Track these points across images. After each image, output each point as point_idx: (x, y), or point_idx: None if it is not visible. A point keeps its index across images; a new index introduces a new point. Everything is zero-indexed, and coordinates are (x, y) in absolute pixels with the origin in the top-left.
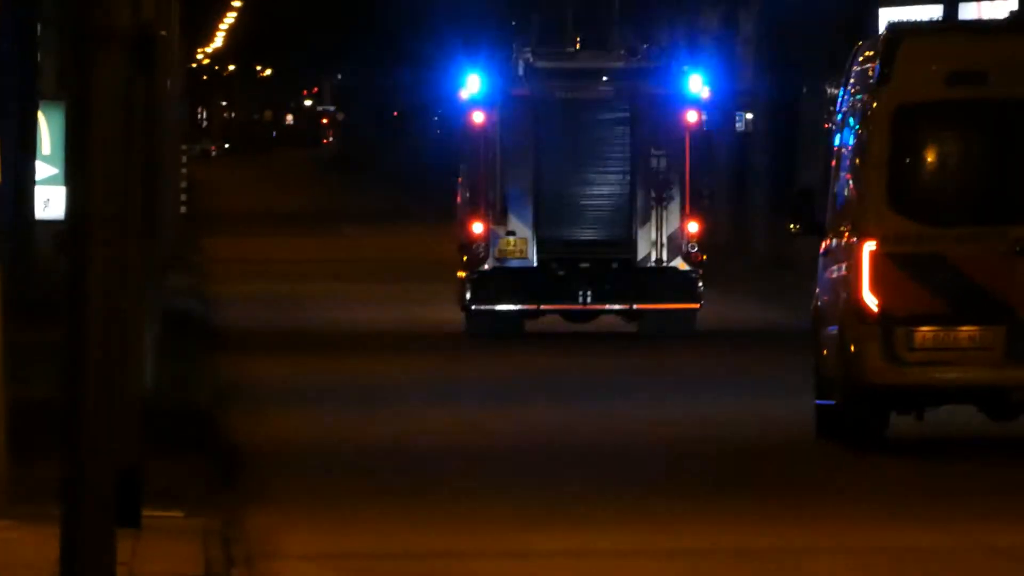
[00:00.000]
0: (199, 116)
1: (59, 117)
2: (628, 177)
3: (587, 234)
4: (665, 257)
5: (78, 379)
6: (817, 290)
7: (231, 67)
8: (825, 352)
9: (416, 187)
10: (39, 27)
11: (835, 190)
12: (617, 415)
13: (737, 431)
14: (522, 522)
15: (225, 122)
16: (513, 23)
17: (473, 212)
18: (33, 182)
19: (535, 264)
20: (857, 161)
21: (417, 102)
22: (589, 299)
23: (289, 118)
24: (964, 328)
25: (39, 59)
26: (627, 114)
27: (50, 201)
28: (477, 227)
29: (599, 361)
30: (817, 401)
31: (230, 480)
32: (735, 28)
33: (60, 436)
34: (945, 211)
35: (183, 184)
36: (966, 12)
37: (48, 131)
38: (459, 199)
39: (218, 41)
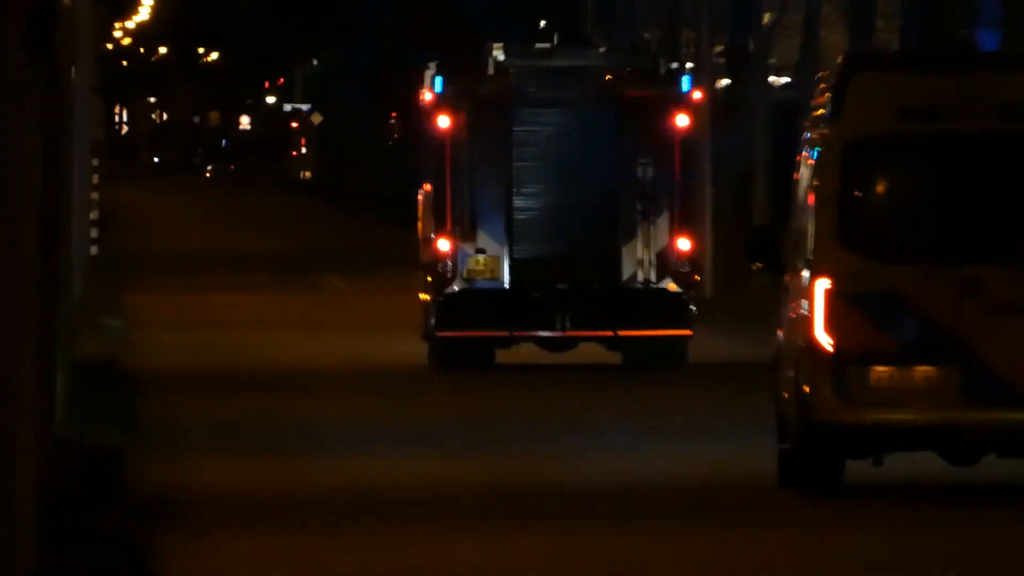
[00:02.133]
0: (117, 118)
1: None
2: (611, 188)
3: (565, 252)
4: (653, 277)
5: None
6: (777, 330)
7: (162, 50)
8: (785, 395)
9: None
10: None
11: (793, 226)
12: (591, 461)
13: (705, 478)
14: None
15: (155, 127)
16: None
17: (438, 228)
18: None
19: (507, 285)
20: (811, 196)
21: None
22: (568, 325)
23: (245, 121)
24: (919, 368)
25: None
26: (610, 118)
27: None
28: (443, 244)
29: (578, 397)
30: (778, 445)
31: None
32: None
33: None
34: (899, 248)
35: (93, 214)
36: None
37: None
38: (421, 213)
39: (144, 12)
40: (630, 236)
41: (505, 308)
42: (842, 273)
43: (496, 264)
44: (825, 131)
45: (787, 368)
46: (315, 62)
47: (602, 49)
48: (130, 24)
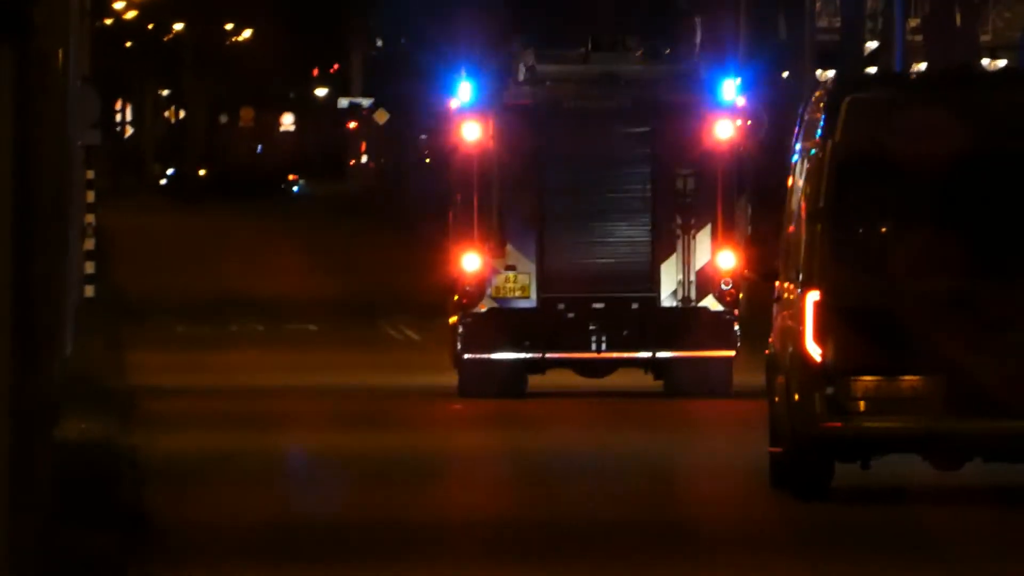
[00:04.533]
0: (119, 118)
1: None
2: (649, 201)
3: (601, 269)
4: (693, 296)
5: None
6: (771, 339)
7: (178, 27)
8: (777, 400)
9: None
10: None
11: (785, 238)
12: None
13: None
14: None
15: (168, 128)
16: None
17: (466, 244)
18: None
19: (538, 304)
20: (803, 212)
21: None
22: (604, 346)
23: (287, 120)
24: (905, 378)
25: None
26: (647, 127)
27: None
28: (471, 262)
29: (615, 428)
30: (770, 449)
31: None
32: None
33: None
34: (888, 263)
35: (87, 245)
36: None
37: None
38: (449, 228)
39: None
40: (669, 253)
41: (536, 329)
42: (832, 286)
43: (527, 282)
44: (818, 147)
45: (779, 375)
46: (379, 43)
47: (639, 53)
48: None
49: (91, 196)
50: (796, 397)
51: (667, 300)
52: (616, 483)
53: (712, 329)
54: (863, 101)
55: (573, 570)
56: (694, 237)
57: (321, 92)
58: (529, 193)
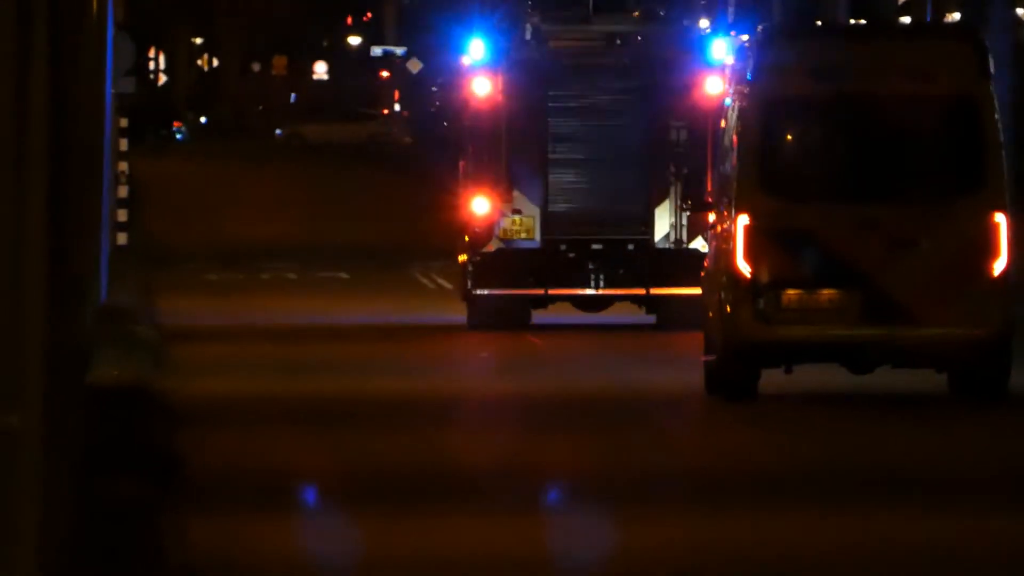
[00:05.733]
0: (152, 65)
1: None
2: (645, 150)
3: (599, 212)
4: (685, 238)
5: None
6: (705, 262)
7: None
8: (711, 315)
9: None
10: None
11: (719, 171)
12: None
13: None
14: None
15: (201, 76)
16: None
17: (475, 189)
18: None
19: (542, 245)
20: (734, 147)
21: None
22: (602, 283)
23: (320, 69)
24: (824, 291)
25: None
26: (644, 82)
27: None
28: (480, 205)
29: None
30: (703, 358)
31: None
32: None
33: None
34: (809, 191)
35: (122, 192)
36: None
37: None
38: (460, 174)
39: None
40: (663, 198)
41: (540, 267)
42: (759, 211)
43: (532, 224)
44: (746, 90)
45: (713, 292)
46: None
47: (636, 13)
48: None
49: (124, 144)
50: (728, 309)
51: (660, 242)
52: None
53: (701, 269)
54: (788, 46)
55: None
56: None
57: (355, 41)
58: (534, 143)
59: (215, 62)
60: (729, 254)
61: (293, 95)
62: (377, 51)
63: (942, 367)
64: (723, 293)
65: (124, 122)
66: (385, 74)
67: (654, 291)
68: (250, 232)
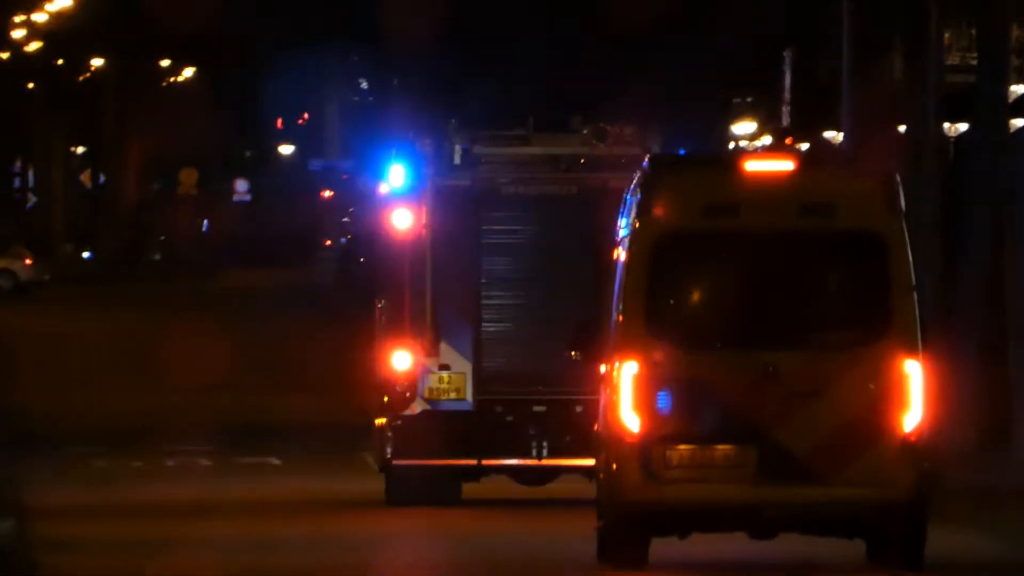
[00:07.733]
0: (18, 182)
1: None
2: (594, 295)
3: (541, 369)
4: None
5: None
6: (598, 419)
7: (97, 62)
8: (602, 476)
9: None
10: None
11: (608, 315)
12: None
13: None
14: None
15: (83, 196)
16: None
17: (395, 340)
18: None
19: (475, 407)
20: (623, 286)
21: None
22: (545, 452)
23: (241, 187)
24: (719, 447)
25: None
26: (593, 214)
27: None
28: (401, 360)
29: (555, 540)
30: (595, 525)
31: None
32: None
33: None
34: (700, 336)
35: None
36: None
37: None
38: (377, 323)
39: None
40: None
41: (472, 433)
42: (647, 359)
43: (462, 382)
44: (636, 225)
45: (601, 450)
46: (364, 84)
47: (584, 134)
48: (40, 16)
49: None
50: (614, 467)
51: None
52: None
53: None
54: (679, 180)
55: None
56: None
57: (286, 150)
58: (465, 286)
59: (102, 178)
60: (615, 406)
61: (205, 222)
62: (315, 164)
63: (850, 533)
64: (609, 449)
65: None
66: (327, 195)
67: None
68: (149, 403)
